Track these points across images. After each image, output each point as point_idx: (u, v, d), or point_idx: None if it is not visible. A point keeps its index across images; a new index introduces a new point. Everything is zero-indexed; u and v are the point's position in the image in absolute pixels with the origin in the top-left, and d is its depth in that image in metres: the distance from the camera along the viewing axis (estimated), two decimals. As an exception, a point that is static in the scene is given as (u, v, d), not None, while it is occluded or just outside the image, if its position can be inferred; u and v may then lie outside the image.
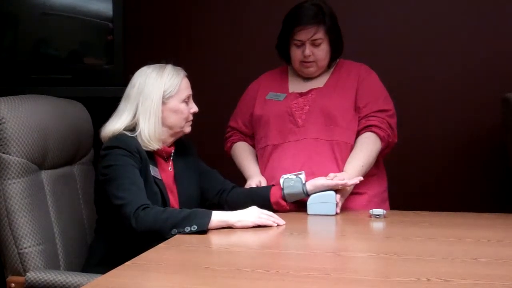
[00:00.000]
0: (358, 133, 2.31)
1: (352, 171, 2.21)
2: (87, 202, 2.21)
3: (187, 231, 1.75)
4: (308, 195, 2.11)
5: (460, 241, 1.66)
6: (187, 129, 2.11)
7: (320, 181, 2.12)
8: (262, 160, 2.39)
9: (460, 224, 1.95)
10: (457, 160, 3.03)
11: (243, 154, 2.45)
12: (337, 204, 2.10)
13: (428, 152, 3.04)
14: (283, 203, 2.12)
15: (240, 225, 1.82)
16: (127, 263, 1.41)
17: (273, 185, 2.18)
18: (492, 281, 1.25)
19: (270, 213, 1.91)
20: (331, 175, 2.15)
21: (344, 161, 2.27)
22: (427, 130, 3.05)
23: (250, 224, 1.84)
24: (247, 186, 2.31)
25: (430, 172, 3.04)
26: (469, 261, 1.42)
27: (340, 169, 2.25)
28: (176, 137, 2.12)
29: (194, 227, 1.75)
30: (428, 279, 1.26)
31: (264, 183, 2.29)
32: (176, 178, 2.12)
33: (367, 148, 2.28)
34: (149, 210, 1.81)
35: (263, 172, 2.36)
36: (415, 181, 2.99)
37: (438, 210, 2.20)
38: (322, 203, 2.08)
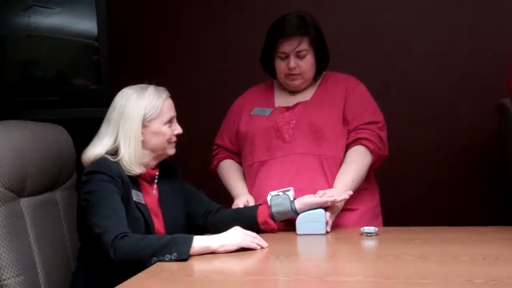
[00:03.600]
0: (348, 147, 2.24)
1: (342, 187, 2.13)
2: (71, 228, 2.13)
3: (167, 259, 1.67)
4: (297, 213, 2.04)
5: (454, 260, 1.58)
6: (171, 151, 2.04)
7: (309, 198, 2.04)
8: (249, 178, 2.31)
9: (455, 240, 1.87)
10: (451, 171, 2.96)
11: (230, 173, 2.37)
12: (327, 223, 2.02)
13: (421, 164, 2.97)
14: (271, 222, 2.04)
15: (223, 250, 1.75)
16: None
17: (260, 204, 2.11)
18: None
19: (254, 234, 1.83)
20: (320, 192, 2.08)
21: (334, 176, 2.19)
22: (419, 140, 2.98)
23: (234, 247, 1.76)
24: (234, 205, 2.24)
25: (424, 184, 2.97)
26: (463, 282, 1.35)
27: (330, 184, 2.18)
28: (160, 160, 2.05)
29: (174, 255, 1.68)
30: (418, 306, 1.19)
31: (252, 202, 2.22)
32: (161, 201, 2.05)
33: (357, 162, 2.20)
34: (127, 239, 1.73)
35: (250, 190, 2.29)
36: (408, 194, 2.92)
37: (433, 223, 2.12)
38: (311, 222, 2.00)
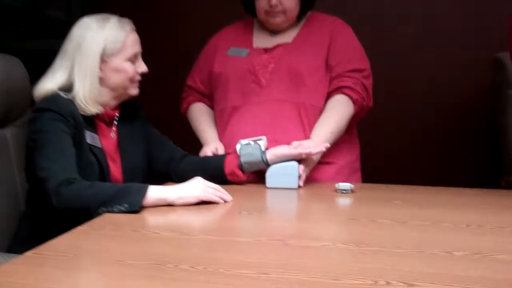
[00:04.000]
0: (329, 95, 2.05)
1: (319, 139, 1.95)
2: (22, 169, 1.95)
3: (116, 210, 1.50)
4: (268, 164, 1.86)
5: (434, 227, 1.42)
6: (133, 91, 1.84)
7: (282, 150, 1.86)
8: (220, 124, 2.13)
9: (437, 203, 1.70)
10: (439, 126, 2.79)
11: (200, 117, 2.18)
12: (300, 177, 1.85)
13: (407, 118, 2.81)
14: (240, 173, 1.87)
15: (181, 203, 1.58)
16: (27, 253, 1.17)
17: (229, 153, 1.93)
18: (465, 285, 1.01)
19: (217, 186, 1.66)
20: (295, 143, 1.90)
21: (311, 126, 2.01)
22: (406, 93, 2.80)
23: (193, 200, 1.59)
24: (202, 153, 2.06)
25: (409, 139, 2.80)
26: (442, 255, 1.18)
27: (306, 135, 2.00)
28: (121, 100, 1.85)
29: (125, 206, 1.50)
30: (388, 282, 1.02)
31: (221, 150, 2.05)
32: (120, 145, 1.86)
33: (337, 112, 2.02)
34: (73, 186, 1.55)
35: (221, 137, 2.10)
36: (392, 149, 2.75)
37: (417, 182, 1.96)
38: (283, 175, 1.83)
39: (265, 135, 1.97)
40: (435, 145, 2.83)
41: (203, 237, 1.34)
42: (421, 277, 1.04)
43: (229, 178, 1.87)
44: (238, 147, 1.87)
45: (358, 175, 2.16)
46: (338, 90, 2.04)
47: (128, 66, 1.80)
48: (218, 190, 1.64)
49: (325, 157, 1.99)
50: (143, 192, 1.54)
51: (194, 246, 1.26)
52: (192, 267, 1.09)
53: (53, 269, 1.10)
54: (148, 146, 1.94)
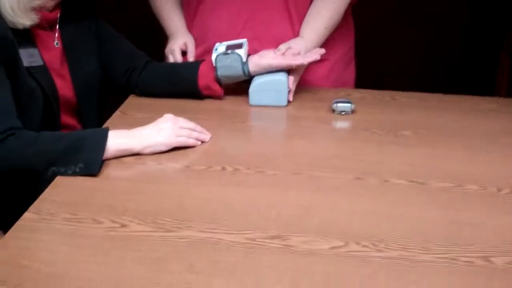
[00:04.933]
0: (321, -23, 1.66)
1: (311, 36, 1.62)
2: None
3: (70, 172, 1.21)
4: (250, 76, 1.54)
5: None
6: None
7: (267, 59, 1.53)
8: (187, 11, 1.74)
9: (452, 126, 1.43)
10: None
11: (163, 1, 1.78)
12: (289, 91, 1.54)
13: None
14: (217, 87, 1.55)
15: (149, 152, 1.29)
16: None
17: (202, 61, 1.58)
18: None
19: (192, 124, 1.34)
20: (283, 47, 1.56)
21: (301, 18, 1.65)
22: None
23: (164, 148, 1.29)
24: (167, 49, 1.72)
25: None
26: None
27: (295, 31, 1.65)
28: None
29: (80, 167, 1.20)
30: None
31: (191, 45, 1.71)
32: (67, 54, 1.50)
33: (333, 0, 1.64)
34: (12, 141, 1.22)
35: (190, 28, 1.74)
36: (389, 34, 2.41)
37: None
38: (269, 92, 1.52)
39: (244, 31, 1.62)
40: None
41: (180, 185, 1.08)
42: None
43: (204, 92, 1.55)
44: (213, 57, 1.52)
45: (352, 66, 1.85)
46: (334, -29, 1.65)
47: None
48: (194, 130, 1.34)
49: (316, 54, 1.66)
50: (101, 145, 1.23)
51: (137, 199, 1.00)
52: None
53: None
54: (102, 51, 1.58)
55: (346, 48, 1.80)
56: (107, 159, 1.24)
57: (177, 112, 1.42)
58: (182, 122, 1.33)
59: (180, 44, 1.70)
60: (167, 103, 1.55)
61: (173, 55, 1.69)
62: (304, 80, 1.65)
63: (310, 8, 1.65)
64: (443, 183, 1.16)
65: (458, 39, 2.81)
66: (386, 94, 1.63)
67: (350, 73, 1.83)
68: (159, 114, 1.35)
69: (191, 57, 1.70)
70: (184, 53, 1.71)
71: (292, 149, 1.32)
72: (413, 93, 1.64)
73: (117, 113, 1.50)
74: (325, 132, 1.42)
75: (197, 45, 1.71)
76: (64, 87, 1.48)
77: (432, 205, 1.08)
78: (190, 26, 1.73)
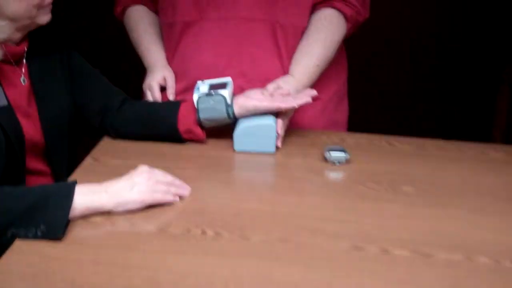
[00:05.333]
0: (314, 10, 1.54)
1: (302, 75, 1.50)
2: None
3: (30, 236, 1.07)
4: (235, 119, 1.41)
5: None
6: (44, 18, 1.30)
7: (254, 101, 1.40)
8: (168, 42, 1.61)
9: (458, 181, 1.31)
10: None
11: (141, 26, 1.65)
12: (277, 136, 1.41)
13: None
14: (198, 131, 1.42)
15: (121, 210, 1.15)
16: None
17: (183, 102, 1.45)
18: None
19: (169, 179, 1.21)
20: (270, 86, 1.44)
21: (291, 54, 1.53)
22: None
23: (137, 206, 1.15)
24: (145, 84, 1.59)
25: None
26: None
27: (284, 67, 1.53)
28: (28, 30, 1.32)
29: (42, 230, 1.06)
30: None
31: (171, 80, 1.58)
32: (35, 93, 1.36)
33: (326, 35, 1.52)
34: None
35: (170, 60, 1.61)
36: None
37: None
38: (256, 137, 1.39)
39: (229, 65, 1.50)
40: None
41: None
42: None
43: (185, 136, 1.42)
44: (195, 97, 1.39)
45: (346, 102, 1.73)
46: (326, 3, 1.53)
47: None
48: (172, 185, 1.20)
49: (308, 93, 1.54)
50: (66, 204, 1.09)
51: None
52: None
53: None
54: (74, 88, 1.44)
55: (339, 84, 1.68)
56: (74, 218, 1.10)
57: (155, 159, 1.30)
58: (159, 175, 1.19)
59: (158, 79, 1.57)
60: (144, 147, 1.41)
61: (151, 91, 1.56)
62: (294, 121, 1.53)
63: (300, 43, 1.53)
64: (450, 254, 1.03)
65: (456, 70, 2.76)
66: (382, 139, 1.50)
67: (343, 110, 1.71)
68: (136, 161, 1.22)
69: (170, 94, 1.56)
70: (163, 89, 1.58)
71: (280, 208, 1.18)
72: (410, 138, 1.51)
73: (88, 159, 1.36)
74: (317, 187, 1.28)
75: (177, 80, 1.58)
76: (31, 128, 1.35)
77: (438, 285, 0.96)
78: (171, 59, 1.60)
